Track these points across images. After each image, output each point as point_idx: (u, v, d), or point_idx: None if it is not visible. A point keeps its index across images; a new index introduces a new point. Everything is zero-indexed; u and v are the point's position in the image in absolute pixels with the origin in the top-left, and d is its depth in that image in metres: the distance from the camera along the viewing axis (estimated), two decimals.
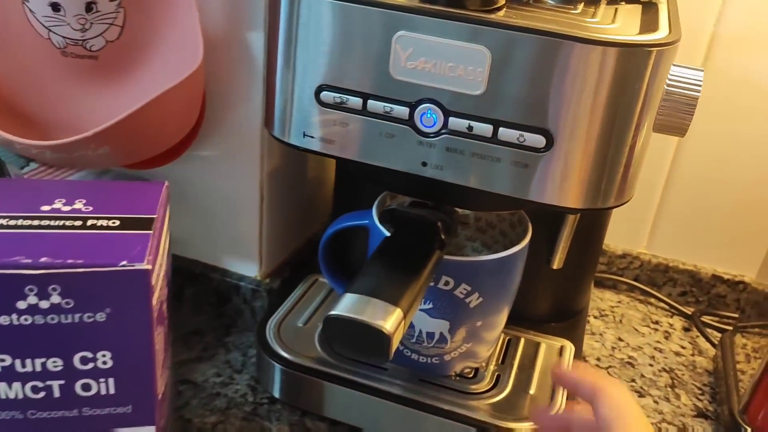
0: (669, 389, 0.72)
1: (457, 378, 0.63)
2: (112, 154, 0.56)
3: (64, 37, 0.59)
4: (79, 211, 0.47)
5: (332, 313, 0.44)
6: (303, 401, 0.64)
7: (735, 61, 0.75)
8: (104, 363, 0.45)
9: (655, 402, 0.70)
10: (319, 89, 0.49)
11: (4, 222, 0.45)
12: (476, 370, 0.64)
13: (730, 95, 0.76)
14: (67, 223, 0.45)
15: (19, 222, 0.45)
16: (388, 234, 0.55)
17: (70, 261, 0.42)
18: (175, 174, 0.69)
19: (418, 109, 0.47)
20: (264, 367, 0.65)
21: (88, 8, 0.58)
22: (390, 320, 0.44)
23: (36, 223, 0.45)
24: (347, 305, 0.45)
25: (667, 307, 0.86)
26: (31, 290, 0.41)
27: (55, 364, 0.44)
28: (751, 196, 0.81)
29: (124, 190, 0.51)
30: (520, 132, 0.46)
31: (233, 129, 0.66)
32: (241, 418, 0.64)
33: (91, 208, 0.47)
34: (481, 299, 0.57)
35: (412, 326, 0.59)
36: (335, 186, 0.76)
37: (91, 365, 0.45)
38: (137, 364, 0.46)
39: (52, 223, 0.45)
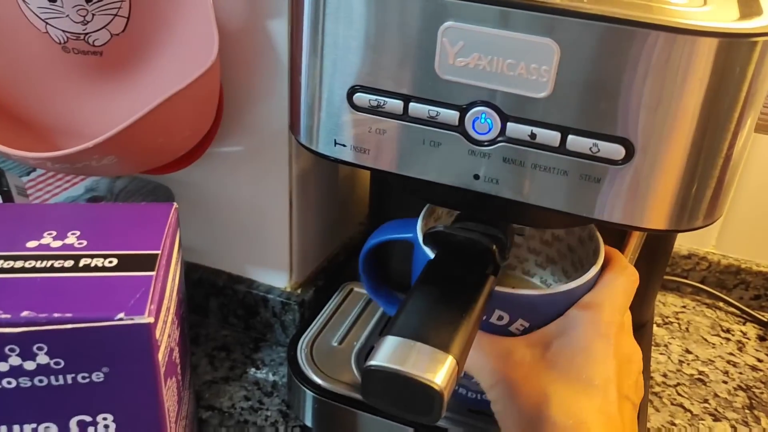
0: (747, 411, 0.65)
1: None
2: (119, 164, 0.50)
3: (64, 31, 0.53)
4: (71, 247, 0.40)
5: (371, 363, 0.37)
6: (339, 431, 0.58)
7: None
8: (106, 426, 0.38)
9: (733, 427, 0.63)
10: (352, 91, 0.42)
11: None
12: None
13: None
14: (56, 264, 0.38)
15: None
16: (432, 256, 0.47)
17: (56, 315, 0.35)
18: (195, 177, 0.63)
19: (469, 114, 0.40)
20: (295, 392, 0.59)
21: None
22: (441, 372, 0.36)
23: (19, 265, 0.38)
24: (387, 353, 0.37)
25: (738, 312, 0.77)
26: (12, 350, 0.35)
27: (48, 430, 0.38)
28: None
29: (125, 215, 0.44)
30: (594, 141, 0.38)
31: (258, 128, 0.59)
32: None
33: (85, 243, 0.40)
34: None
35: None
36: (371, 184, 0.69)
37: (90, 429, 0.38)
38: (145, 424, 0.39)
39: (38, 264, 0.38)
